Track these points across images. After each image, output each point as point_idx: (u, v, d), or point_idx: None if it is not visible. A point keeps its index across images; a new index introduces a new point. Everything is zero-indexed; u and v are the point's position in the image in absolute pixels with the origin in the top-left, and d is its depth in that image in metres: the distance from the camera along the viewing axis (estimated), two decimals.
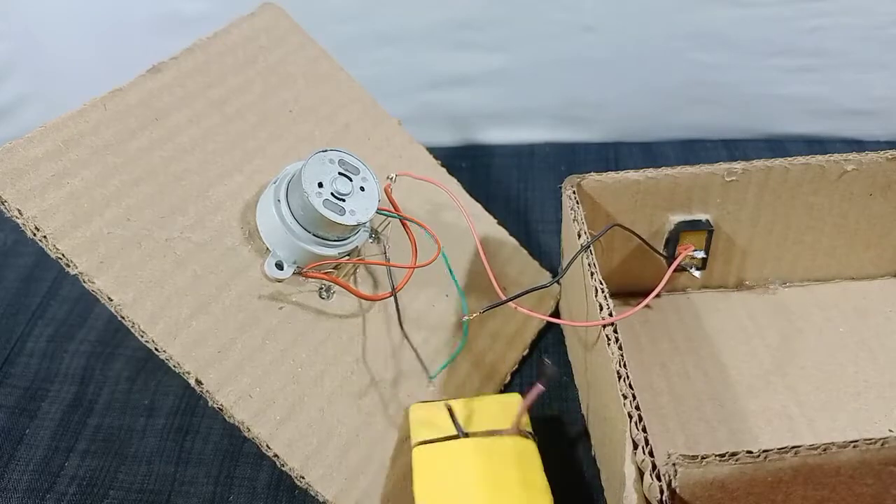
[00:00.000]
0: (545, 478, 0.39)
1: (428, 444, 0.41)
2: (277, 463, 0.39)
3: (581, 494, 0.45)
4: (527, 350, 0.53)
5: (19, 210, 0.36)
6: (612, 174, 0.49)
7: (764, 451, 0.31)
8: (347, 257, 0.44)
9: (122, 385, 0.52)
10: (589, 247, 0.43)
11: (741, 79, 0.69)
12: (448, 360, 0.44)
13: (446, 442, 0.41)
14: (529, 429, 0.42)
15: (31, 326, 0.57)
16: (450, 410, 0.42)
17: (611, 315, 0.39)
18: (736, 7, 0.65)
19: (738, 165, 0.49)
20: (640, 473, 0.33)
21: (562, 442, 0.48)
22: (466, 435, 0.41)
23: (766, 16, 0.65)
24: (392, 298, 0.45)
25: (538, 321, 0.54)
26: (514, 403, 0.43)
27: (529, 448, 0.41)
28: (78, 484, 0.47)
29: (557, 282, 0.45)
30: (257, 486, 0.46)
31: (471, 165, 0.72)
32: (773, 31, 0.66)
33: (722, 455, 0.31)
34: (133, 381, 0.52)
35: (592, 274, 0.42)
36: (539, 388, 0.40)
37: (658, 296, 0.54)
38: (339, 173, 0.41)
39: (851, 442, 0.31)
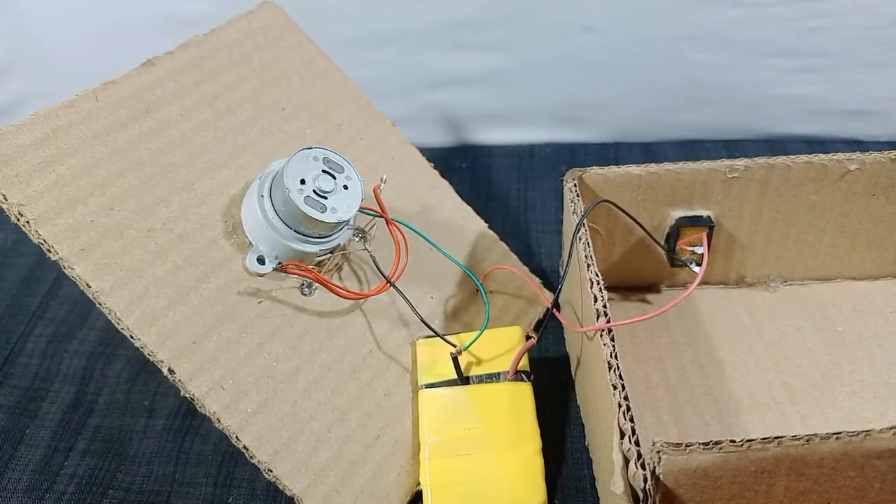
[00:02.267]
0: (536, 423, 0.44)
1: (431, 388, 0.45)
2: (247, 455, 0.39)
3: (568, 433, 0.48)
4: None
5: (4, 195, 0.37)
6: (613, 168, 0.49)
7: (747, 440, 0.31)
8: (330, 255, 0.44)
9: (123, 386, 0.52)
10: (581, 225, 0.43)
11: (741, 79, 0.69)
12: (478, 333, 0.46)
13: (448, 388, 0.45)
14: (527, 368, 0.45)
15: (31, 326, 0.57)
16: (454, 360, 0.44)
17: (605, 307, 0.39)
18: (736, 7, 0.65)
19: (741, 162, 0.49)
20: (627, 461, 0.34)
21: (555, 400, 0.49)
22: (467, 380, 0.45)
23: (766, 16, 0.65)
24: (370, 298, 0.46)
25: (534, 313, 0.54)
26: (515, 337, 0.47)
27: (524, 391, 0.45)
28: (77, 483, 0.46)
29: (538, 339, 0.46)
30: (257, 488, 0.46)
31: (471, 166, 0.72)
32: (773, 31, 0.66)
33: (706, 443, 0.31)
34: (133, 382, 0.52)
35: (589, 266, 0.41)
36: (532, 340, 0.44)
37: (658, 291, 0.56)
38: (323, 171, 0.42)
39: (834, 434, 0.31)
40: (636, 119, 0.73)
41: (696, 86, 0.70)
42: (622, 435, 0.34)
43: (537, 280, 0.56)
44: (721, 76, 0.69)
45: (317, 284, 0.44)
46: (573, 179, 0.48)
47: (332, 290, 0.43)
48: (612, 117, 0.73)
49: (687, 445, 0.31)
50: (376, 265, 0.45)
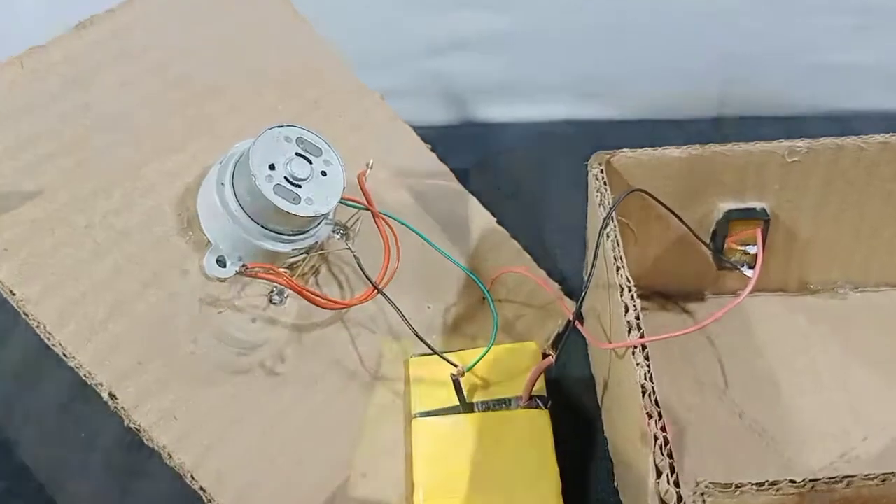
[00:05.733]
0: (554, 459, 0.41)
1: (428, 417, 0.43)
2: (205, 498, 0.37)
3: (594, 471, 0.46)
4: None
5: None
6: (648, 150, 0.47)
7: (810, 479, 0.30)
8: (306, 256, 0.42)
9: (52, 415, 0.49)
10: (610, 220, 0.41)
11: (796, 42, 0.65)
12: (484, 351, 0.44)
13: (448, 416, 0.43)
14: (543, 393, 0.43)
15: None
16: (455, 383, 0.42)
17: (638, 319, 0.38)
18: None
19: (802, 144, 0.46)
20: None
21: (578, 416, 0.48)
22: (471, 407, 0.43)
23: None
24: (354, 308, 0.44)
25: (552, 326, 0.52)
26: (529, 355, 0.44)
27: (540, 421, 0.42)
28: None
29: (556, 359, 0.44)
30: None
31: (474, 147, 0.69)
32: None
33: (760, 483, 0.30)
34: (66, 410, 0.49)
35: (618, 269, 0.39)
36: (549, 359, 0.42)
37: (702, 299, 0.53)
38: (297, 154, 0.40)
39: None
40: (672, 92, 0.70)
41: (743, 51, 0.66)
42: (659, 474, 0.33)
43: (556, 286, 0.54)
44: (772, 40, 0.66)
45: (289, 291, 0.42)
46: (599, 164, 0.47)
47: (306, 299, 0.41)
48: (644, 90, 0.70)
49: (737, 486, 0.30)
50: (361, 268, 0.42)
